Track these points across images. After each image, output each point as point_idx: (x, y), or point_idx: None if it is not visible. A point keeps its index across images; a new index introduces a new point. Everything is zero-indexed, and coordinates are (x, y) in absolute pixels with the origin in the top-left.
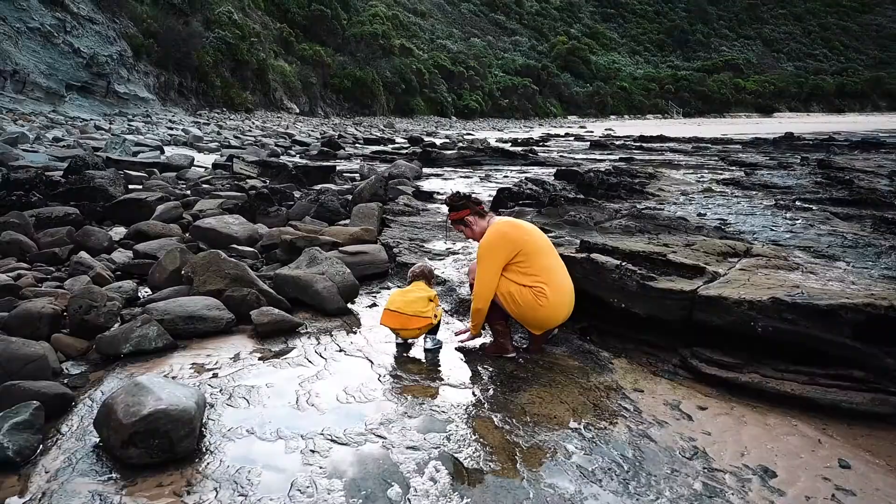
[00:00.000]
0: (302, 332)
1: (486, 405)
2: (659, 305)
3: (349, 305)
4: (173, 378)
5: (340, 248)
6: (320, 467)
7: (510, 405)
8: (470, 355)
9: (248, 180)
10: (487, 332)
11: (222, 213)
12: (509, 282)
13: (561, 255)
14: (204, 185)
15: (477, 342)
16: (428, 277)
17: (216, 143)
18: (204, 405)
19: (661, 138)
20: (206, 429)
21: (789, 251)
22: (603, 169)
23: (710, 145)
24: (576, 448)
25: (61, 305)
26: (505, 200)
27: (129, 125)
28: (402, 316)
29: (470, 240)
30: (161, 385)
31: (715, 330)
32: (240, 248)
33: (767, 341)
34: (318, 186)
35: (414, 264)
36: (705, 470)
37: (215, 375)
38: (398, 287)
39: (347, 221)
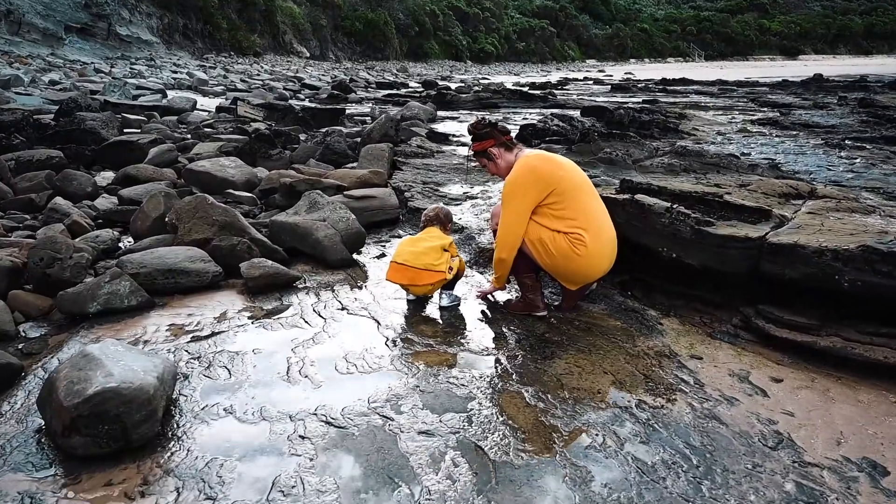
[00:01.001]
0: (299, 286)
1: (513, 376)
2: (718, 255)
3: (354, 256)
4: (145, 343)
5: (346, 193)
6: (310, 459)
7: (543, 376)
8: (493, 314)
9: (252, 123)
10: (513, 286)
11: (219, 156)
12: (540, 227)
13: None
14: (206, 129)
15: (500, 296)
16: (444, 222)
17: (222, 87)
18: (173, 379)
19: (684, 81)
20: (175, 407)
21: (856, 192)
22: (631, 107)
23: (735, 88)
24: (629, 434)
25: (23, 258)
26: (529, 138)
27: (131, 69)
28: (410, 270)
29: (492, 180)
30: (116, 356)
31: (787, 284)
32: (236, 192)
33: (851, 298)
34: (326, 129)
35: (428, 208)
36: (796, 465)
37: (195, 339)
38: (410, 234)
39: (355, 164)
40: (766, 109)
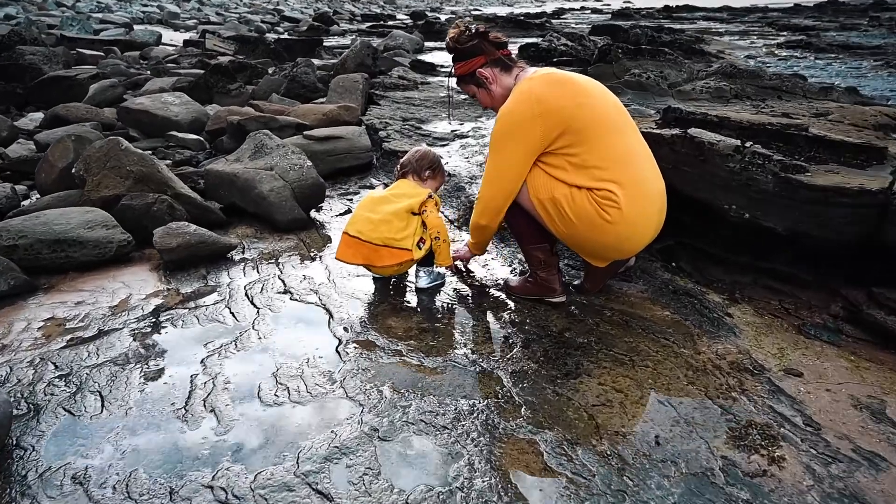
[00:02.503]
0: (235, 258)
1: (521, 410)
2: (814, 216)
3: (312, 214)
4: (1, 350)
5: (305, 133)
6: None
7: (567, 409)
8: (489, 299)
9: (219, 57)
10: (514, 255)
11: (162, 93)
12: (553, 181)
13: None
14: (168, 65)
15: (498, 273)
16: (418, 171)
17: (194, 21)
18: (7, 420)
19: (689, 8)
20: (4, 469)
21: None
22: (648, 25)
23: (744, 13)
24: None
25: None
26: (531, 61)
27: (97, 3)
28: (364, 246)
29: (487, 114)
30: None
31: None
32: (180, 135)
33: None
34: (297, 60)
35: (407, 152)
36: None
37: (73, 343)
38: (385, 185)
39: (324, 99)
40: (786, 33)
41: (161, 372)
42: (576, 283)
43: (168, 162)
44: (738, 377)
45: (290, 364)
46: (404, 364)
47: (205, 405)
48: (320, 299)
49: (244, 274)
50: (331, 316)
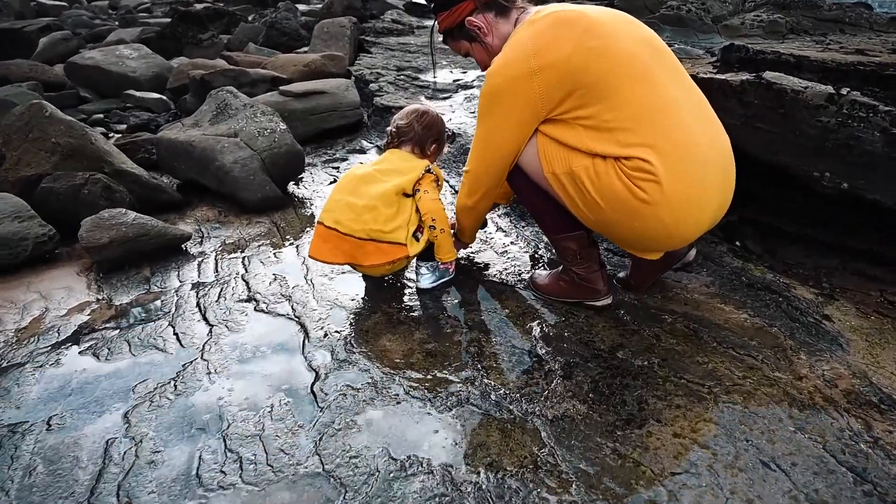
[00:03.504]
0: (191, 251)
1: (569, 489)
2: None
3: (290, 189)
4: None
5: (282, 89)
6: None
7: (636, 484)
8: (512, 301)
9: (196, 5)
10: (542, 247)
11: (118, 45)
12: (568, 151)
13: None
14: (140, 14)
15: (520, 264)
16: (422, 140)
17: None
18: None
19: None
20: None
21: None
22: None
23: None
24: None
25: None
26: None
27: None
28: (344, 240)
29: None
30: None
31: None
32: (138, 94)
33: None
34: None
35: (403, 108)
36: None
37: None
38: (379, 150)
39: (307, 48)
40: None
41: (64, 437)
42: (619, 274)
43: (123, 127)
44: (863, 417)
45: (247, 417)
46: (403, 412)
47: (118, 496)
48: (294, 309)
49: (199, 273)
50: (307, 335)
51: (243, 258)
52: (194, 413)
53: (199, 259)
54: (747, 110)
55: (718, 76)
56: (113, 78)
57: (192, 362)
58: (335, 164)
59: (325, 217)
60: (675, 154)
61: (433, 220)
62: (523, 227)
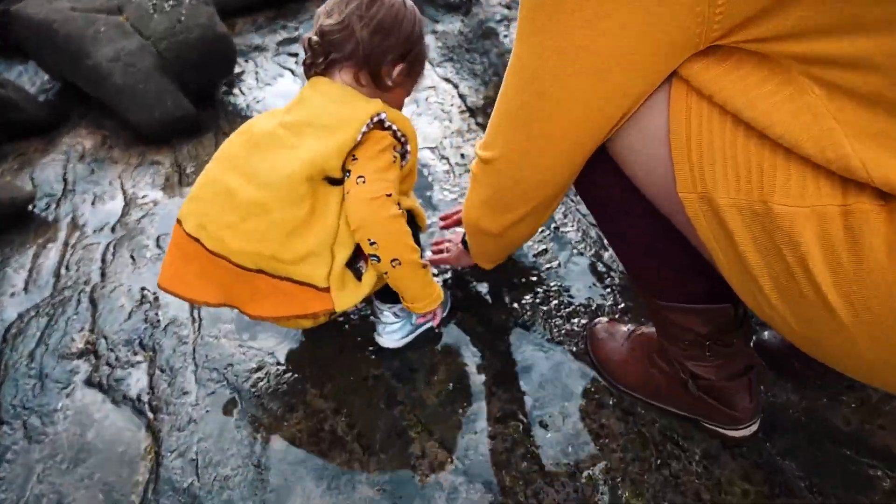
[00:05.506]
0: (40, 218)
1: None
2: None
3: (218, 97)
4: None
5: None
6: None
7: None
8: (553, 389)
9: None
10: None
11: None
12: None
13: None
14: None
15: (567, 303)
16: (382, 57)
17: None
18: None
19: None
20: None
21: None
22: None
23: None
24: None
25: None
26: None
27: None
28: (218, 265)
29: None
30: None
31: None
32: None
33: None
34: None
35: None
36: None
37: None
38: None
39: None
40: None
41: None
42: (765, 335)
43: None
44: None
45: None
46: None
47: None
48: (152, 387)
49: (27, 281)
50: (158, 459)
51: (109, 244)
52: None
53: (41, 242)
54: None
55: None
56: None
57: None
58: (292, 47)
59: (186, 214)
60: None
61: (371, 241)
62: (577, 202)
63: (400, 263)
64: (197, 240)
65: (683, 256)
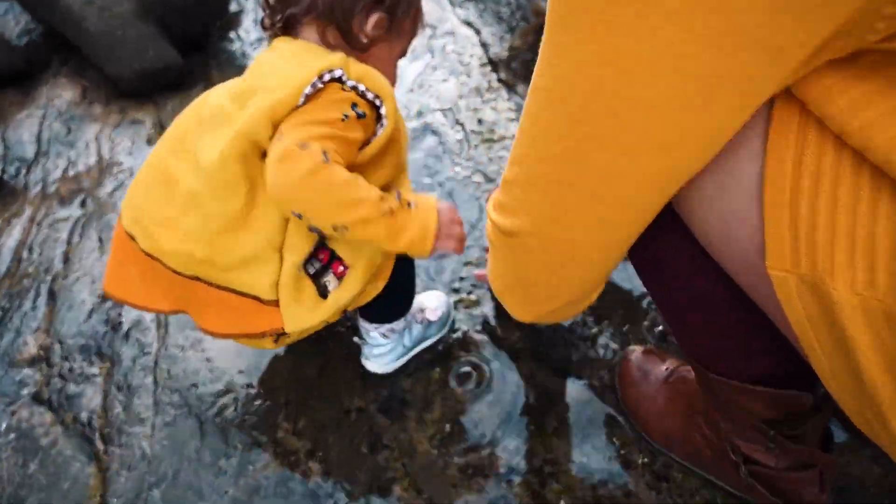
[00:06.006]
0: (8, 182)
1: None
2: None
3: (212, 43)
4: None
5: None
6: None
7: None
8: (585, 448)
9: None
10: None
11: None
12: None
13: None
14: None
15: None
16: (336, 8)
17: None
18: None
19: None
20: None
21: None
22: None
23: None
24: None
25: None
26: None
27: None
28: (159, 270)
29: None
30: None
31: None
32: None
33: None
34: None
35: None
36: None
37: None
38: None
39: None
40: None
41: None
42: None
43: None
44: None
45: None
46: None
47: None
48: (107, 409)
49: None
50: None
51: (78, 221)
52: None
53: (7, 217)
54: None
55: None
56: None
57: None
58: None
59: (125, 205)
60: None
61: (297, 213)
62: None
63: (347, 228)
64: (132, 237)
65: (755, 335)
